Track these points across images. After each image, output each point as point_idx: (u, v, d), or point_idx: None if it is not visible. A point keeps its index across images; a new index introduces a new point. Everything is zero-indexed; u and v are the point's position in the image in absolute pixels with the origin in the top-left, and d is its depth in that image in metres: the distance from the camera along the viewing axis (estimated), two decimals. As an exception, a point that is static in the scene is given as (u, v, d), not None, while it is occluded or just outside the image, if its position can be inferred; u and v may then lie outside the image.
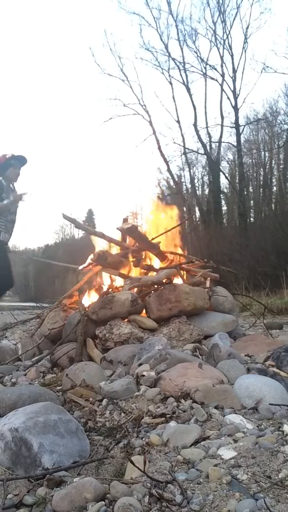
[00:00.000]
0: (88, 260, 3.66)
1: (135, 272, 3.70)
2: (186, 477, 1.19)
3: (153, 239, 3.84)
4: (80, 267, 3.81)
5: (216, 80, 18.59)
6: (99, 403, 1.92)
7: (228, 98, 18.39)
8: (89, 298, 3.63)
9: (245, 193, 20.19)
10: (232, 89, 18.27)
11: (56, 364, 2.82)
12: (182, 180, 22.15)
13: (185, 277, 3.64)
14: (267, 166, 22.67)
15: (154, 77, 42.23)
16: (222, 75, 18.28)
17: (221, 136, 19.13)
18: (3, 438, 1.40)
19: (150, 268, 3.59)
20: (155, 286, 3.24)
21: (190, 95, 18.80)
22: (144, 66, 24.11)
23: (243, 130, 19.26)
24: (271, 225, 16.10)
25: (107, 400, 1.90)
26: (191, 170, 21.67)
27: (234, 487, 1.09)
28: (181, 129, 19.12)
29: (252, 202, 22.58)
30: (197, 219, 20.32)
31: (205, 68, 18.61)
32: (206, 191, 23.01)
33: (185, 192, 21.86)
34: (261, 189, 22.44)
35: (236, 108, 18.24)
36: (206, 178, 22.76)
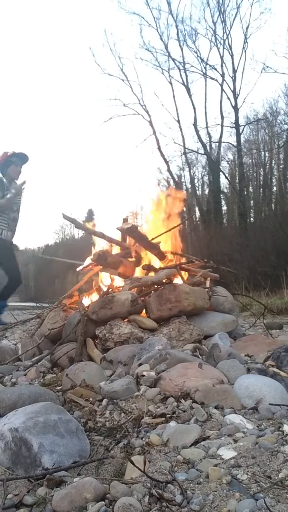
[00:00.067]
0: (88, 260, 3.67)
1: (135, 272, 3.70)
2: (186, 477, 1.19)
3: (153, 239, 3.84)
4: (80, 267, 3.81)
5: (216, 80, 18.61)
6: (99, 403, 1.92)
7: (228, 98, 18.42)
8: (89, 298, 3.63)
9: (245, 193, 20.20)
10: (232, 89, 18.29)
11: (56, 364, 2.82)
12: (182, 180, 22.16)
13: (185, 277, 3.64)
14: (267, 166, 22.67)
15: (154, 77, 42.20)
16: (222, 75, 18.30)
17: (221, 136, 19.15)
18: (3, 438, 1.40)
19: (150, 268, 3.59)
20: (155, 286, 3.24)
21: (190, 95, 18.82)
22: (144, 66, 24.17)
23: (243, 130, 19.28)
24: (271, 225, 16.11)
25: (107, 400, 1.90)
26: (191, 170, 21.69)
27: (234, 487, 1.09)
28: (181, 129, 19.14)
29: (252, 202, 22.58)
30: (197, 219, 20.32)
31: (205, 68, 18.63)
32: (206, 191, 23.02)
33: (185, 192, 21.84)
34: (261, 189, 22.44)
35: (236, 108, 18.25)
36: (206, 178, 22.77)
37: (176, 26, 18.37)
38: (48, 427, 1.41)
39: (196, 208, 21.02)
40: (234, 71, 18.18)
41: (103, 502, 1.10)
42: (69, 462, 1.34)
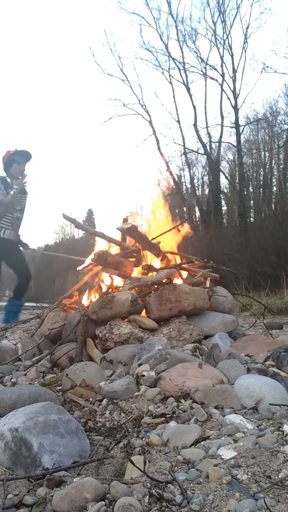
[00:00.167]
0: (88, 260, 3.66)
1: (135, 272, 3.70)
2: (186, 477, 1.19)
3: (153, 239, 3.84)
4: (80, 267, 3.81)
5: (216, 80, 18.64)
6: (99, 403, 1.92)
7: (228, 98, 18.45)
8: (89, 298, 3.63)
9: (245, 193, 20.21)
10: (232, 89, 18.32)
11: (56, 364, 2.82)
12: (182, 180, 22.18)
13: (185, 277, 3.64)
14: (267, 166, 22.70)
15: (154, 77, 42.22)
16: (222, 75, 18.33)
17: (221, 136, 19.18)
18: (3, 438, 1.40)
19: (150, 268, 3.59)
20: (155, 286, 3.24)
21: (190, 95, 18.85)
22: (144, 66, 24.24)
23: (243, 130, 19.31)
24: (271, 225, 16.12)
25: (107, 400, 1.90)
26: (191, 170, 21.73)
27: (234, 487, 1.09)
28: (181, 129, 19.18)
29: (252, 202, 22.60)
30: (197, 219, 20.33)
31: (205, 68, 18.67)
32: (206, 191, 23.05)
33: (185, 192, 21.86)
34: (261, 189, 22.46)
35: (236, 108, 18.27)
36: (206, 178, 22.80)
37: (176, 26, 18.42)
38: (48, 427, 1.41)
39: (196, 208, 21.04)
40: (234, 71, 18.21)
41: (103, 502, 1.10)
42: (69, 462, 1.34)
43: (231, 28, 18.09)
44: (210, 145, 19.70)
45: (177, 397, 1.80)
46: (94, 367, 2.30)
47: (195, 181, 22.85)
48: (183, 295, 2.96)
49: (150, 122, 19.29)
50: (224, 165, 22.32)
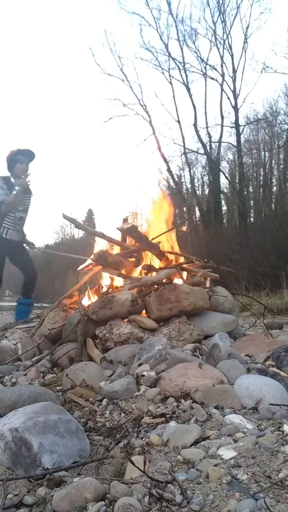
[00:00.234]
0: (88, 260, 3.66)
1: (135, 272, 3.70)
2: (186, 477, 1.19)
3: (153, 239, 3.84)
4: (80, 267, 3.81)
5: (216, 80, 18.63)
6: (99, 403, 1.92)
7: (228, 98, 18.44)
8: (89, 298, 3.63)
9: (245, 193, 20.21)
10: (232, 89, 18.31)
11: (56, 364, 2.82)
12: (182, 180, 22.18)
13: (185, 277, 3.64)
14: (267, 166, 22.70)
15: (154, 77, 42.29)
16: (222, 75, 18.32)
17: (221, 136, 19.17)
18: (3, 438, 1.40)
19: (150, 268, 3.59)
20: (155, 286, 3.24)
21: (190, 95, 18.84)
22: (144, 66, 24.23)
23: (243, 130, 19.30)
24: (271, 225, 16.12)
25: (107, 400, 1.90)
26: (191, 170, 21.72)
27: (234, 487, 1.09)
28: (181, 129, 19.17)
29: (252, 202, 22.61)
30: (197, 219, 20.33)
31: (205, 68, 18.66)
32: (206, 191, 23.04)
33: (185, 192, 21.86)
34: (261, 189, 22.46)
35: (236, 108, 18.27)
36: (206, 178, 22.80)
37: (176, 26, 18.41)
38: (48, 427, 1.41)
39: (196, 208, 21.03)
40: (234, 71, 18.20)
41: (103, 502, 1.10)
42: (69, 462, 1.34)
43: (231, 28, 18.10)
44: (210, 145, 19.71)
45: (177, 397, 1.80)
46: (94, 367, 2.29)
47: (195, 181, 22.88)
48: (183, 295, 2.95)
49: (150, 122, 19.29)
50: (224, 165, 22.34)
